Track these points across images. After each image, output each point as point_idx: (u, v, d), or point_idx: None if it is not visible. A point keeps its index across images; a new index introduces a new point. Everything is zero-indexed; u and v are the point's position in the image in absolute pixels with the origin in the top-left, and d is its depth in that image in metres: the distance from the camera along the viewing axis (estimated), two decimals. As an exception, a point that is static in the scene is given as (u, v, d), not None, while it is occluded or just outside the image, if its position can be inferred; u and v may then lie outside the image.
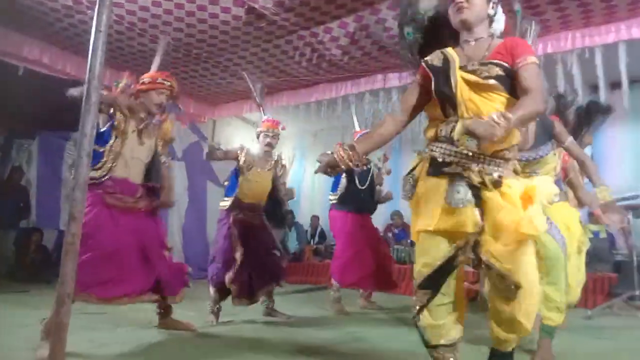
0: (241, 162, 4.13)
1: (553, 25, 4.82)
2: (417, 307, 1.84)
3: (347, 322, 4.15)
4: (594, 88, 5.12)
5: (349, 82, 6.49)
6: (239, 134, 8.55)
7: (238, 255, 3.92)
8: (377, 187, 5.26)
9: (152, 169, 3.20)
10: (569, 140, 2.95)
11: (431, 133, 1.92)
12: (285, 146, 8.90)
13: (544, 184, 1.76)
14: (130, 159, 3.05)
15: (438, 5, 2.06)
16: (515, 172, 1.85)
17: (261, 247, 4.11)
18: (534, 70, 1.78)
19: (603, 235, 5.99)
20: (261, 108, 4.58)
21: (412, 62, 2.17)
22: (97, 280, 2.76)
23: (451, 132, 1.82)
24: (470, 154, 1.78)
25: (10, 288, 5.48)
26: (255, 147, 4.28)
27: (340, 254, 4.87)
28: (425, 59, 1.95)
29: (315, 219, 9.13)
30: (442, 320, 1.81)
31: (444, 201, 1.77)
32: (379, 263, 4.87)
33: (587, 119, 3.65)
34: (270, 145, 4.25)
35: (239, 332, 3.53)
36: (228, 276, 3.89)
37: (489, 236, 1.72)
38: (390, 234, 8.04)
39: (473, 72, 1.81)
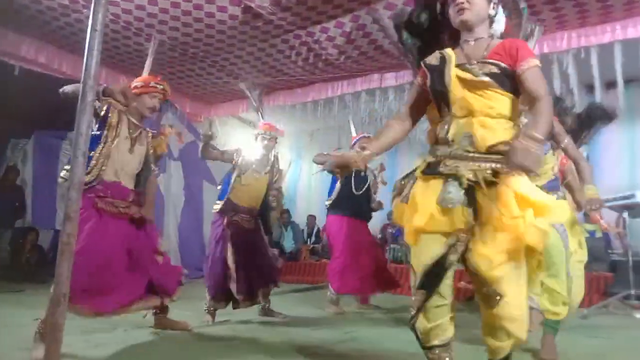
0: (237, 164, 4.12)
1: (549, 25, 4.83)
2: (415, 308, 1.84)
3: (344, 321, 4.15)
4: (590, 88, 5.14)
5: (346, 82, 6.50)
6: (235, 134, 8.55)
7: (230, 261, 3.92)
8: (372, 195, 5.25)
9: (142, 176, 3.17)
10: (567, 140, 2.96)
11: (431, 136, 1.93)
12: (282, 146, 8.88)
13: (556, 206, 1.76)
14: (120, 163, 3.00)
15: (430, 12, 2.06)
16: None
17: (255, 251, 4.10)
18: (539, 74, 1.79)
19: (599, 234, 6.01)
20: (259, 112, 4.58)
21: (413, 65, 2.17)
22: (89, 290, 2.69)
23: (446, 133, 1.82)
24: (465, 153, 1.79)
25: (5, 288, 5.45)
26: (252, 150, 4.27)
27: (337, 258, 4.85)
28: (424, 59, 1.96)
29: (311, 218, 9.13)
30: (439, 321, 1.80)
31: (436, 202, 1.78)
32: (376, 266, 4.87)
33: (589, 122, 3.60)
34: (267, 148, 4.25)
35: (235, 332, 3.52)
36: (233, 287, 3.89)
37: (479, 239, 1.72)
38: (386, 234, 8.05)
39: (469, 70, 1.82)
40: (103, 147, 2.91)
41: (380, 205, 5.27)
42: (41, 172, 7.46)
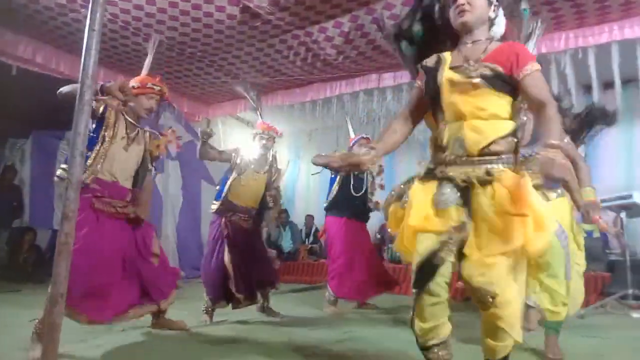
0: (236, 164, 4.12)
1: (547, 25, 4.84)
2: (412, 309, 1.85)
3: (342, 321, 4.14)
4: (587, 88, 5.15)
5: (344, 82, 6.50)
6: (233, 133, 8.55)
7: (228, 260, 3.92)
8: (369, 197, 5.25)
9: (139, 177, 3.15)
10: (565, 140, 2.95)
11: (431, 143, 1.96)
12: (280, 146, 8.89)
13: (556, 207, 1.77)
14: (118, 163, 2.98)
15: (425, 22, 2.07)
16: (515, 165, 1.83)
17: (254, 251, 4.10)
18: (540, 79, 1.79)
19: (597, 234, 6.02)
20: (258, 112, 4.57)
21: (413, 72, 2.19)
22: (85, 291, 2.66)
23: (442, 139, 1.85)
24: (458, 158, 1.81)
25: (3, 288, 5.45)
26: (250, 150, 4.27)
27: (337, 259, 4.84)
28: (423, 62, 1.99)
29: (310, 218, 9.13)
30: (435, 321, 1.79)
31: (431, 203, 1.80)
32: (373, 269, 4.87)
33: (590, 123, 3.58)
34: (265, 147, 4.25)
35: (233, 332, 3.52)
36: (232, 287, 3.89)
37: (473, 243, 1.73)
38: (384, 234, 8.04)
39: (462, 71, 1.83)
40: (100, 147, 2.90)
41: (377, 205, 5.27)
42: (39, 171, 7.43)
